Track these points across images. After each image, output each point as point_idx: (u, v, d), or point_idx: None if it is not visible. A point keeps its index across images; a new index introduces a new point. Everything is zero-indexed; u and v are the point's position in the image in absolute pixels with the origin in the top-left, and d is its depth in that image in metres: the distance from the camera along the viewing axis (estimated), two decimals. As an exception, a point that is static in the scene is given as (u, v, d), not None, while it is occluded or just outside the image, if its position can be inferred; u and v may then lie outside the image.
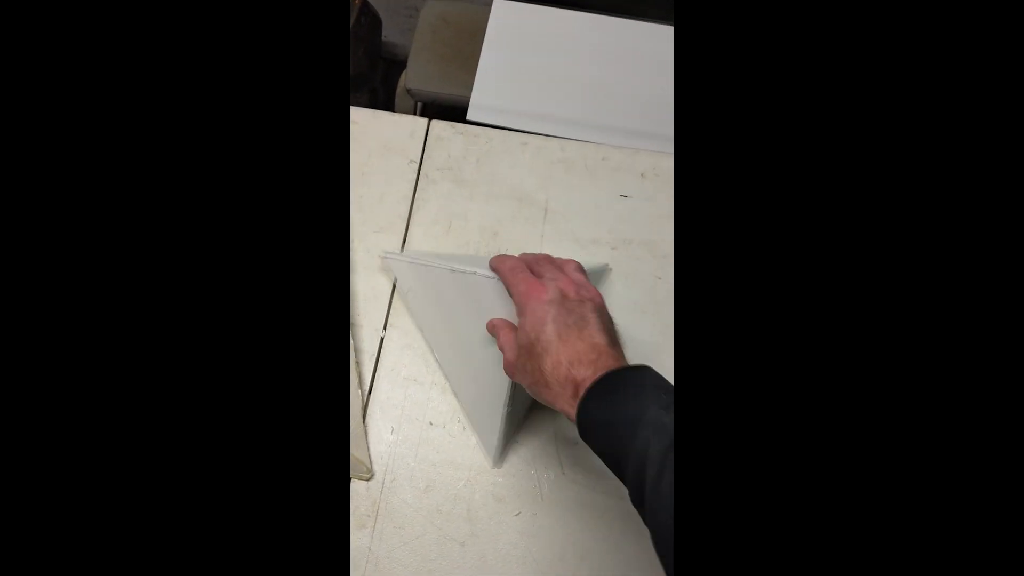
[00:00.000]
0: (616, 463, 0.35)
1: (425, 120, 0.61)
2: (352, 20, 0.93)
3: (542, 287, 0.41)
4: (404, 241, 0.57)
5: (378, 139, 0.61)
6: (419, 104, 0.95)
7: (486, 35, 0.82)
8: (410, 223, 0.58)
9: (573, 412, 0.37)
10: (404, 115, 0.62)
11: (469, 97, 0.73)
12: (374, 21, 0.98)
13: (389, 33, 1.04)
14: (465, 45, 0.86)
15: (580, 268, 0.45)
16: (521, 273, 0.43)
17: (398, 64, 1.11)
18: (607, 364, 0.37)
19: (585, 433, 0.37)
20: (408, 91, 0.85)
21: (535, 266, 0.45)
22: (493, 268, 0.46)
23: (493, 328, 0.45)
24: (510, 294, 0.43)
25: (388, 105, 1.03)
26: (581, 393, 0.36)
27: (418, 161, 0.60)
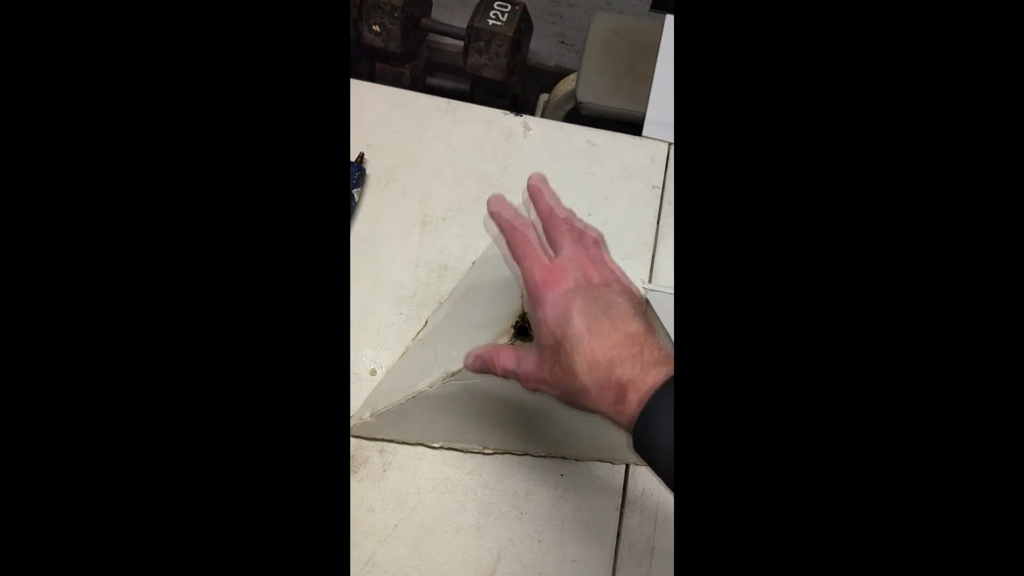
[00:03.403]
0: None
1: (665, 144, 0.60)
2: (513, 28, 0.92)
3: (561, 273, 0.35)
4: (651, 270, 0.56)
5: (618, 163, 0.60)
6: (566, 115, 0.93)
7: (660, 50, 0.81)
8: (656, 251, 0.57)
9: (622, 419, 0.32)
10: (644, 139, 0.61)
11: (642, 112, 0.72)
12: (528, 28, 0.96)
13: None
14: (638, 59, 0.85)
15: (600, 241, 0.39)
16: (533, 253, 0.36)
17: (536, 71, 1.10)
18: (654, 358, 0.32)
19: (647, 454, 0.32)
20: (579, 104, 0.84)
21: (550, 231, 0.38)
22: (492, 213, 0.40)
23: (481, 361, 0.38)
24: (519, 275, 0.36)
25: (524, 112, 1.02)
26: (633, 403, 0.31)
27: (660, 187, 0.59)
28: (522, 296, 0.40)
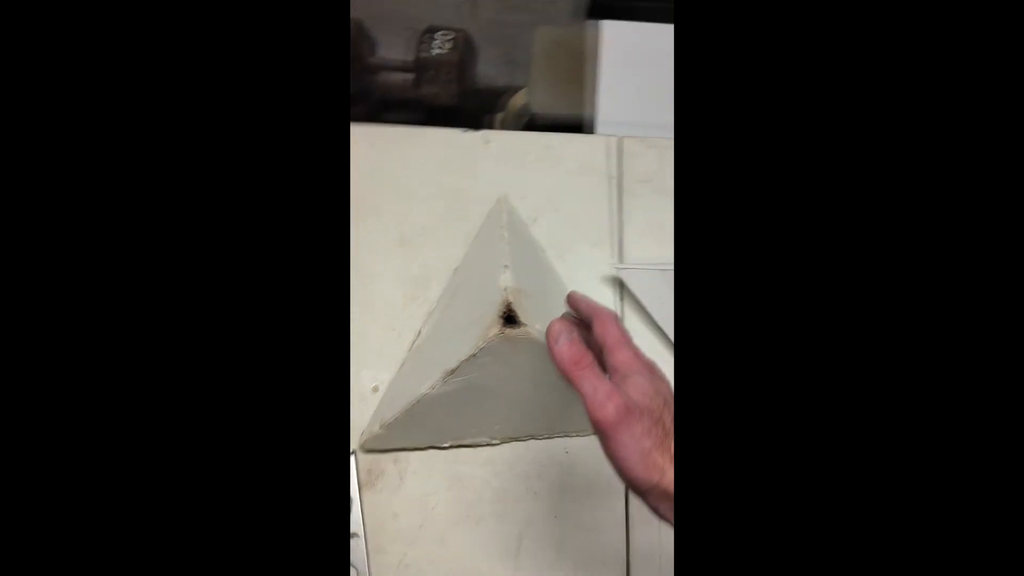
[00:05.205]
0: None
1: (615, 139, 0.64)
2: (458, 54, 0.96)
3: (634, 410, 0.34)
4: (620, 253, 0.60)
5: (576, 160, 0.64)
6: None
7: (601, 55, 0.86)
8: (622, 235, 0.60)
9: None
10: (598, 136, 0.65)
11: (593, 115, 0.76)
12: (473, 52, 1.01)
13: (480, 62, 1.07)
14: (582, 67, 0.89)
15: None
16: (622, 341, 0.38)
17: (489, 93, 1.15)
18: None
19: None
20: (533, 116, 0.88)
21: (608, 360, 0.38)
22: (573, 300, 0.42)
23: (575, 367, 0.36)
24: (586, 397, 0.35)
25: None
26: None
27: (617, 177, 0.63)
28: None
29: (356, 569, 0.50)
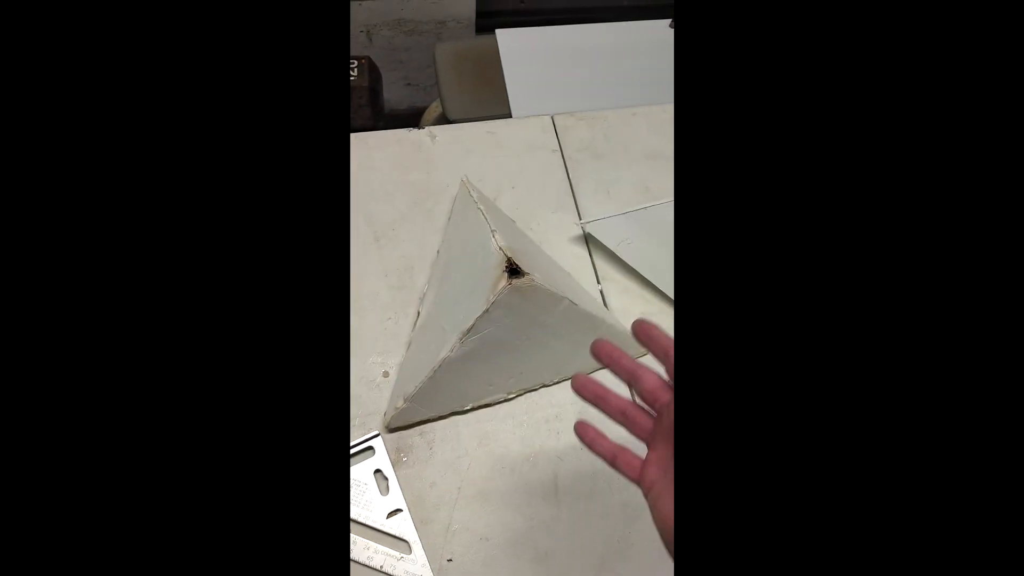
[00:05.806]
0: None
1: (549, 117, 0.71)
2: (366, 79, 1.00)
3: None
4: (579, 211, 0.66)
5: (518, 141, 0.70)
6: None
7: (502, 59, 0.94)
8: (576, 197, 0.67)
9: None
10: (530, 117, 0.71)
11: (506, 112, 0.84)
12: (379, 76, 1.05)
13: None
14: (486, 72, 0.97)
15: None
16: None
17: (396, 117, 1.19)
18: None
19: None
20: (450, 123, 0.94)
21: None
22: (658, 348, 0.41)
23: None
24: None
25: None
26: None
27: (559, 149, 0.70)
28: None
29: (409, 543, 0.52)
